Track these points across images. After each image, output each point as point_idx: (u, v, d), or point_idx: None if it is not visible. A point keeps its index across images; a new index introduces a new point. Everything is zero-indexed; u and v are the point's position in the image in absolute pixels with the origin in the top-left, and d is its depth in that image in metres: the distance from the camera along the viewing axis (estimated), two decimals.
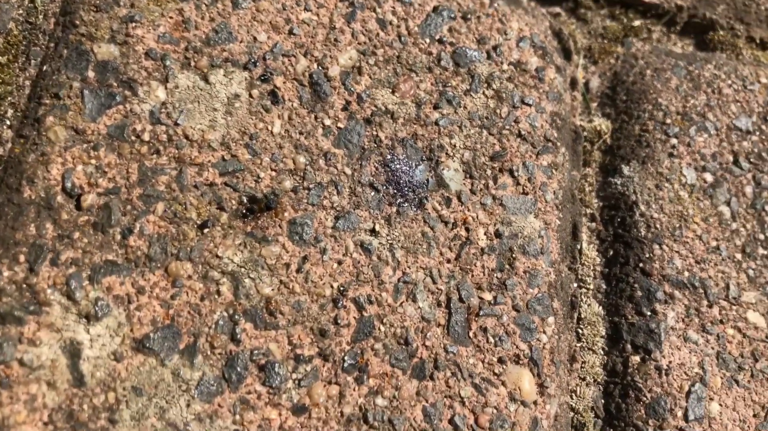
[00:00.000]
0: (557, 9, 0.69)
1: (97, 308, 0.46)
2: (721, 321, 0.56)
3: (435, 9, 0.61)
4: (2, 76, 0.53)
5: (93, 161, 0.50)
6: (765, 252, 0.59)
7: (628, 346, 0.55)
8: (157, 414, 0.45)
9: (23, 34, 0.55)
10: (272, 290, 0.49)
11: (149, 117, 0.52)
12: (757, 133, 0.63)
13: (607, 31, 0.68)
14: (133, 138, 0.51)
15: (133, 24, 0.55)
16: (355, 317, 0.50)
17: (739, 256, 0.58)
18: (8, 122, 0.52)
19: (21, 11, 0.56)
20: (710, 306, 0.56)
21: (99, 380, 0.45)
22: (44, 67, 0.53)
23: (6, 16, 0.55)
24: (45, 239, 0.47)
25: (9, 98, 0.53)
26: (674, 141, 0.61)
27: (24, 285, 0.46)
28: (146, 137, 0.51)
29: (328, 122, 0.55)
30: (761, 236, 0.59)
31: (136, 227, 0.49)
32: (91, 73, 0.52)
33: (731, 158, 0.62)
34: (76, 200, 0.49)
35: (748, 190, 0.61)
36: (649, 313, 0.55)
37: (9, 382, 0.44)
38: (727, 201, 0.60)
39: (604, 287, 0.58)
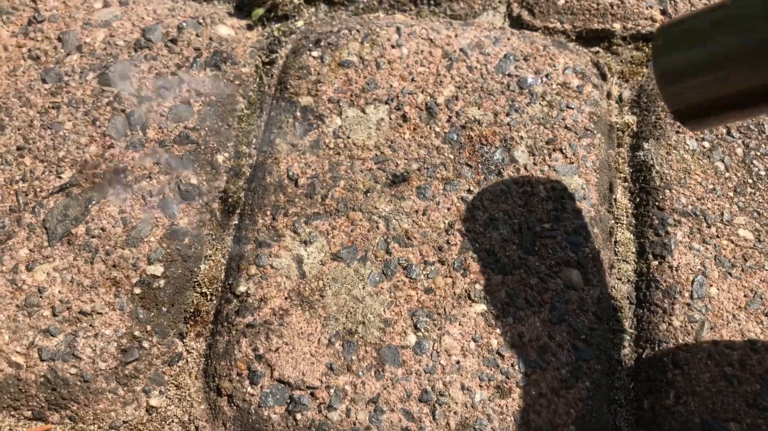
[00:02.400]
0: (597, 48, 0.99)
1: (310, 238, 0.81)
2: (717, 236, 0.80)
3: (505, 56, 0.94)
4: (249, 120, 0.92)
5: (303, 160, 0.86)
6: (752, 191, 0.83)
7: (650, 256, 0.81)
8: (346, 291, 0.78)
9: (257, 98, 0.94)
10: (409, 225, 0.82)
11: (332, 134, 0.88)
12: None
13: (634, 58, 0.97)
14: (324, 146, 0.87)
15: (320, 84, 0.92)
16: (459, 240, 0.81)
17: (731, 194, 0.83)
18: (254, 146, 0.90)
19: (254, 85, 0.95)
20: (709, 227, 0.81)
21: (313, 275, 0.79)
22: (271, 113, 0.91)
23: (248, 89, 0.94)
24: (280, 203, 0.83)
25: (253, 132, 0.91)
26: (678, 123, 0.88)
27: (270, 227, 0.82)
28: (332, 145, 0.87)
29: (437, 129, 0.88)
30: (749, 180, 0.84)
31: (329, 194, 0.84)
32: (298, 113, 0.90)
33: (725, 131, 0.87)
34: (294, 181, 0.85)
35: (739, 151, 0.86)
36: (663, 233, 0.81)
37: (266, 276, 0.79)
38: (721, 159, 0.85)
39: (634, 221, 0.84)
